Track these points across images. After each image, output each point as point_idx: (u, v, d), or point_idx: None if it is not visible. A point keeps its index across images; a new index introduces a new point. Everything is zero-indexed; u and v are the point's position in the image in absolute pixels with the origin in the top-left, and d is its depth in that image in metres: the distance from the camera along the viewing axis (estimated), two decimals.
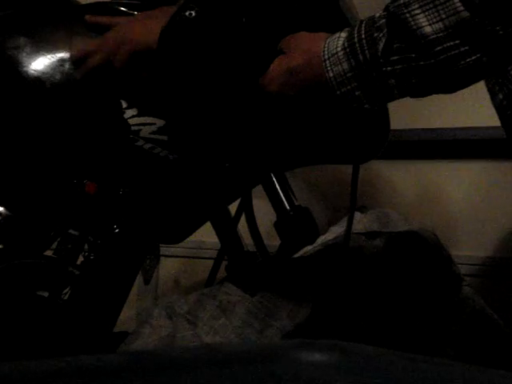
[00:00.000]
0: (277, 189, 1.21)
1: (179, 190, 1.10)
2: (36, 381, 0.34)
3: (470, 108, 1.66)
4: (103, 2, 1.10)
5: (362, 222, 1.23)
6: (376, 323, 1.08)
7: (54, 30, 1.08)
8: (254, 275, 1.11)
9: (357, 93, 0.79)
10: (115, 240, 1.10)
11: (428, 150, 1.75)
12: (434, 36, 0.72)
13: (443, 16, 0.71)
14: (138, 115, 1.04)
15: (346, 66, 0.79)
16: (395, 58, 0.75)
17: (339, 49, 0.80)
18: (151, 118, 1.04)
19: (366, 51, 0.77)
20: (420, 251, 1.17)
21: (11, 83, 1.07)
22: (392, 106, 1.15)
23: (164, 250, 1.95)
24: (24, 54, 1.05)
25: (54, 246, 1.12)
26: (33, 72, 1.04)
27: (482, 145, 1.67)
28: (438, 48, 0.72)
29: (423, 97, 0.81)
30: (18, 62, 1.05)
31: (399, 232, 1.18)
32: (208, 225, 1.26)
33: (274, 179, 1.22)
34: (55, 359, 0.36)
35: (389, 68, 0.76)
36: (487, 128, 1.59)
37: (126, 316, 1.35)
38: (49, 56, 1.04)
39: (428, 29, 0.72)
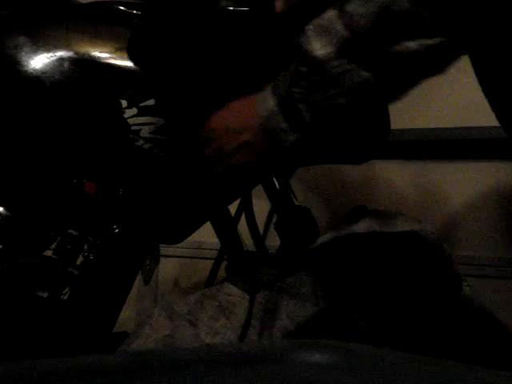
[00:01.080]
0: (277, 189, 1.21)
1: (179, 189, 1.10)
2: (36, 381, 0.34)
3: (471, 108, 1.66)
4: (103, 1, 1.10)
5: (361, 221, 1.22)
6: (376, 323, 1.08)
7: (54, 29, 1.08)
8: (254, 275, 1.11)
9: (282, 124, 0.87)
10: (115, 240, 1.10)
11: (428, 150, 1.75)
12: (324, 57, 0.81)
13: (332, 39, 0.81)
14: (137, 115, 1.04)
15: (271, 102, 0.87)
16: (302, 82, 0.84)
17: (266, 91, 0.89)
18: (151, 118, 1.04)
19: (284, 85, 0.86)
20: (420, 251, 1.17)
21: (11, 83, 1.07)
22: (392, 106, 1.15)
23: (164, 250, 1.94)
24: (23, 54, 1.05)
25: (54, 246, 1.12)
26: (32, 71, 1.04)
27: (482, 145, 1.67)
28: (327, 65, 0.81)
29: (332, 123, 0.87)
30: (17, 62, 1.05)
31: (399, 232, 1.18)
32: (208, 225, 1.26)
33: (273, 179, 1.21)
34: (55, 359, 0.36)
35: (298, 95, 0.84)
36: (488, 128, 1.59)
37: (126, 316, 1.35)
38: (48, 55, 1.04)
39: (320, 52, 0.82)
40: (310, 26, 0.84)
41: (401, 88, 0.84)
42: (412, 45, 0.77)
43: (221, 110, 0.95)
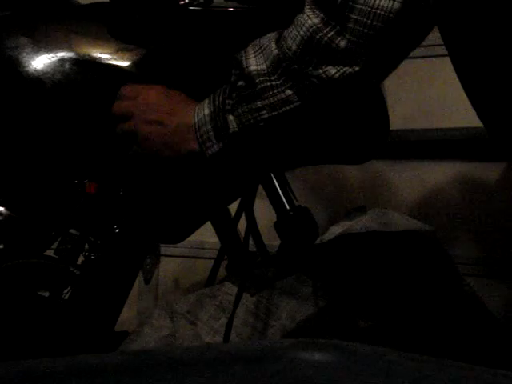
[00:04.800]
0: (277, 189, 1.20)
1: (179, 189, 1.10)
2: (36, 381, 0.34)
3: (471, 108, 1.66)
4: (103, 2, 1.10)
5: (361, 221, 1.22)
6: (376, 323, 1.08)
7: (55, 30, 1.08)
8: (254, 275, 1.11)
9: (210, 133, 0.94)
10: (116, 240, 1.10)
11: (428, 150, 1.74)
12: (256, 72, 0.90)
13: (266, 58, 0.89)
14: None
15: (207, 111, 0.95)
16: (234, 94, 0.92)
17: (206, 99, 0.96)
18: None
19: (220, 96, 0.94)
20: (420, 251, 1.17)
21: (11, 83, 1.07)
22: (392, 106, 1.15)
23: (164, 249, 1.95)
24: (24, 54, 1.05)
25: (55, 245, 1.12)
26: (33, 72, 1.04)
27: (482, 145, 1.67)
28: (257, 80, 0.90)
29: (255, 135, 0.93)
30: (18, 62, 1.05)
31: (399, 232, 1.18)
32: (208, 225, 1.26)
33: (273, 179, 1.21)
34: (55, 359, 0.36)
35: (228, 107, 0.92)
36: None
37: (127, 316, 1.35)
38: (49, 56, 1.04)
39: (254, 67, 0.90)
40: (251, 44, 0.93)
41: (322, 109, 0.91)
42: (332, 70, 0.85)
43: (164, 88, 1.01)
